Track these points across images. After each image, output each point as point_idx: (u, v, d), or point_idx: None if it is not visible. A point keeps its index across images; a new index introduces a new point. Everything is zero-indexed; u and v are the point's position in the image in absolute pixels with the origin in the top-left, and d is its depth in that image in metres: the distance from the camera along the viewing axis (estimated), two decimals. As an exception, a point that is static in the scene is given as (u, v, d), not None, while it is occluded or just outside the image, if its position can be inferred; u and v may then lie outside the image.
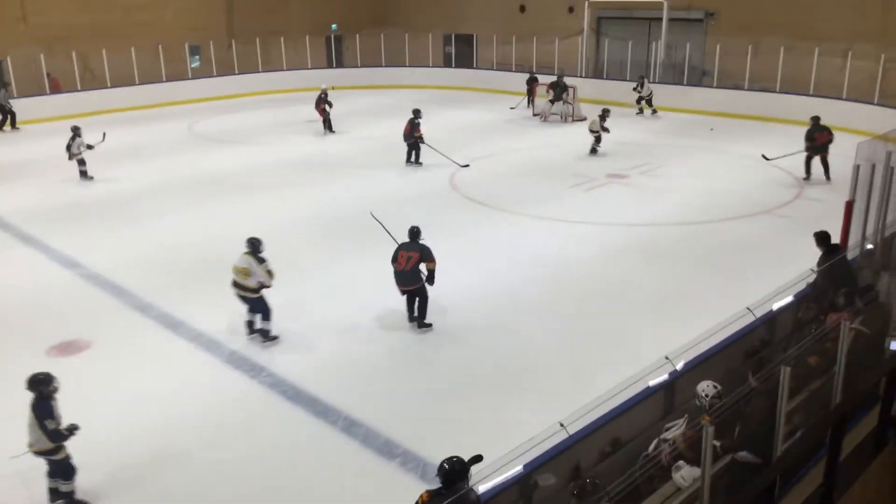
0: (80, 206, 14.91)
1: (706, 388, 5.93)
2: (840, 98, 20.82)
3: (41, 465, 6.26)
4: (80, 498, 6.37)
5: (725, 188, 15.57)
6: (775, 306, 7.62)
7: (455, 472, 4.71)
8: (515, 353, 8.95)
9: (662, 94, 23.46)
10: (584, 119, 23.04)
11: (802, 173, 15.92)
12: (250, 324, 9.30)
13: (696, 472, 5.01)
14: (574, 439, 5.48)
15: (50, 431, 6.02)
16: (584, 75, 26.84)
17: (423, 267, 9.20)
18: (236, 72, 28.34)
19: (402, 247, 9.28)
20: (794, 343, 6.39)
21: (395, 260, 9.24)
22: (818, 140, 15.46)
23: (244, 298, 9.10)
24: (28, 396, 6.13)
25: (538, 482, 5.28)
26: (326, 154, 19.27)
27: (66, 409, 6.27)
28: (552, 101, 23.09)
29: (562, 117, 23.08)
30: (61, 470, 6.23)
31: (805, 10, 21.97)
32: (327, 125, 21.44)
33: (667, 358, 6.13)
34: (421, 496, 4.78)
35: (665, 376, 6.42)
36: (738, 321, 6.98)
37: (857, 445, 4.29)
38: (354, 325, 9.66)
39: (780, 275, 8.47)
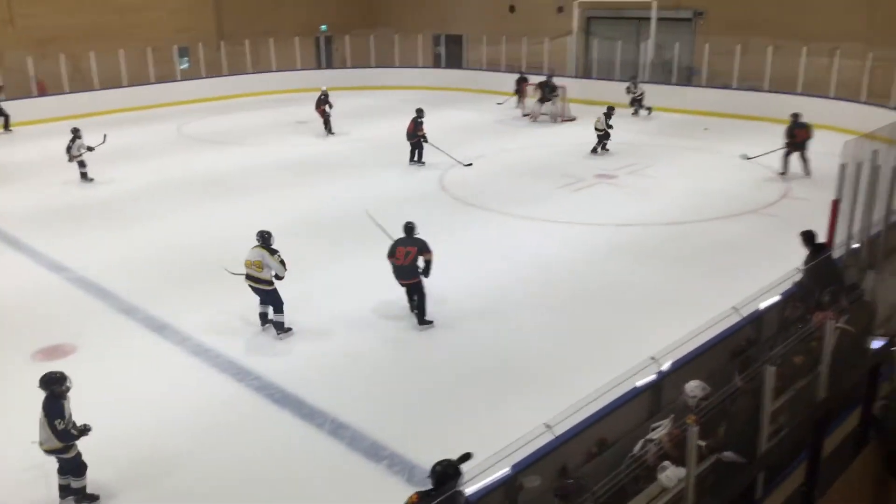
0: (68, 209, 14.82)
1: (695, 388, 5.94)
2: (827, 97, 20.92)
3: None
4: (91, 492, 6.47)
5: (713, 188, 15.61)
6: (762, 306, 7.65)
7: (447, 474, 4.71)
8: (502, 353, 8.95)
9: (652, 93, 23.49)
10: (574, 119, 23.11)
11: (792, 171, 16.07)
12: (263, 316, 9.52)
13: (682, 472, 5.01)
14: (560, 440, 5.48)
15: (59, 431, 6.09)
16: (573, 75, 26.86)
17: (420, 260, 9.34)
18: (226, 73, 28.25)
19: (398, 242, 9.42)
20: (780, 342, 6.41)
21: (392, 255, 9.37)
22: (798, 137, 15.76)
23: (258, 291, 9.29)
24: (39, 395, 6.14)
25: (523, 484, 5.27)
26: (317, 155, 19.22)
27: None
28: (541, 102, 23.10)
29: (551, 117, 23.09)
30: (72, 467, 6.32)
31: (793, 9, 22.05)
32: (328, 126, 21.36)
33: (653, 358, 6.13)
34: (410, 497, 4.77)
35: (652, 376, 6.43)
36: (725, 320, 6.99)
37: (838, 445, 4.29)
38: (339, 328, 9.64)
39: (767, 274, 8.49)
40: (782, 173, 16.09)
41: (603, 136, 18.54)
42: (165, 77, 26.92)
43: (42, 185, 16.40)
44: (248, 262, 9.17)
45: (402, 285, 9.52)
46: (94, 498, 6.47)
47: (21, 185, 16.51)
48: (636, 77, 23.93)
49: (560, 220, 13.67)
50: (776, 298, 7.76)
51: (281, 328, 9.37)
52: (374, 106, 26.18)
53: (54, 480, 6.44)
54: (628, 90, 23.35)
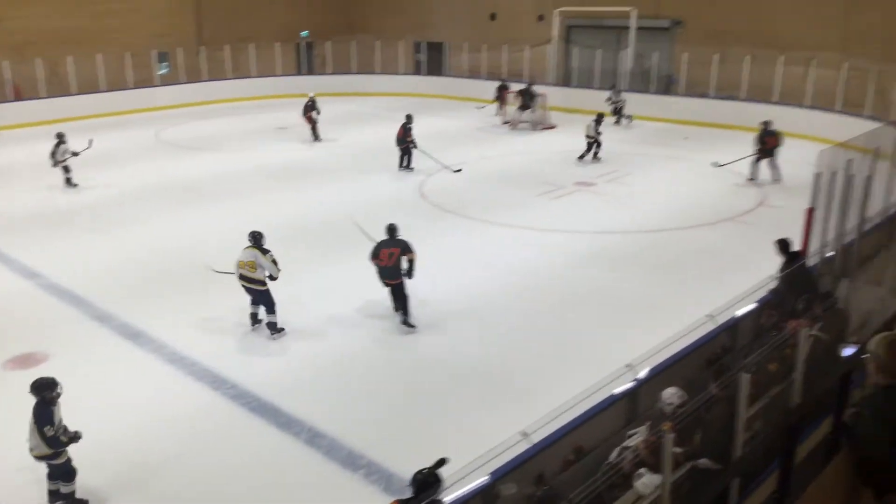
0: (42, 215, 14.65)
1: (671, 396, 5.96)
2: (803, 106, 21.18)
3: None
4: (81, 497, 6.44)
5: (690, 196, 15.74)
6: (737, 313, 7.69)
7: (427, 482, 4.72)
8: (479, 360, 8.94)
9: (632, 102, 23.64)
10: (554, 127, 23.22)
11: (762, 177, 16.40)
12: (254, 316, 9.59)
13: (658, 479, 5.01)
14: (537, 448, 5.47)
15: (48, 438, 6.08)
16: (553, 83, 26.98)
17: (403, 261, 9.48)
18: (205, 79, 28.08)
19: (382, 244, 9.58)
20: (755, 350, 6.45)
21: (376, 257, 9.54)
22: (768, 144, 16.26)
23: (251, 291, 9.35)
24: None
25: (500, 492, 5.26)
26: (297, 161, 19.14)
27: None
28: (521, 109, 23.19)
29: (531, 125, 23.18)
30: (62, 472, 6.33)
31: (769, 19, 22.34)
32: (315, 133, 21.28)
33: (628, 366, 6.15)
34: (390, 505, 4.75)
35: (630, 384, 6.44)
36: (700, 328, 7.02)
37: (810, 452, 4.33)
38: (316, 335, 9.61)
39: (743, 281, 8.53)
40: (751, 179, 16.49)
41: (593, 144, 18.64)
42: (144, 82, 26.73)
43: (10, 192, 16.18)
44: (242, 263, 9.26)
45: (387, 286, 9.65)
46: (84, 503, 6.44)
47: (-6, 191, 16.31)
48: (617, 86, 24.09)
49: (539, 227, 13.71)
50: (752, 306, 7.81)
51: (274, 328, 9.45)
52: (356, 112, 26.15)
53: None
54: (609, 99, 23.46)
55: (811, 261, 8.89)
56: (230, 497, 6.65)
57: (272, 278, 9.27)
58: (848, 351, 4.68)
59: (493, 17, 29.58)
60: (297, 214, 14.50)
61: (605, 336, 9.44)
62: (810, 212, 9.63)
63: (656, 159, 19.08)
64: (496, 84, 25.33)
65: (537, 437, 5.46)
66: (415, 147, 17.70)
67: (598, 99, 23.89)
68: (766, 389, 5.93)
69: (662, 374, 6.65)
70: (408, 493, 4.86)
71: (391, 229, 9.68)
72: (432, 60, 31.24)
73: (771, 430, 4.20)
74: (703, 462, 5.43)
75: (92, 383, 8.31)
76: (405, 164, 17.96)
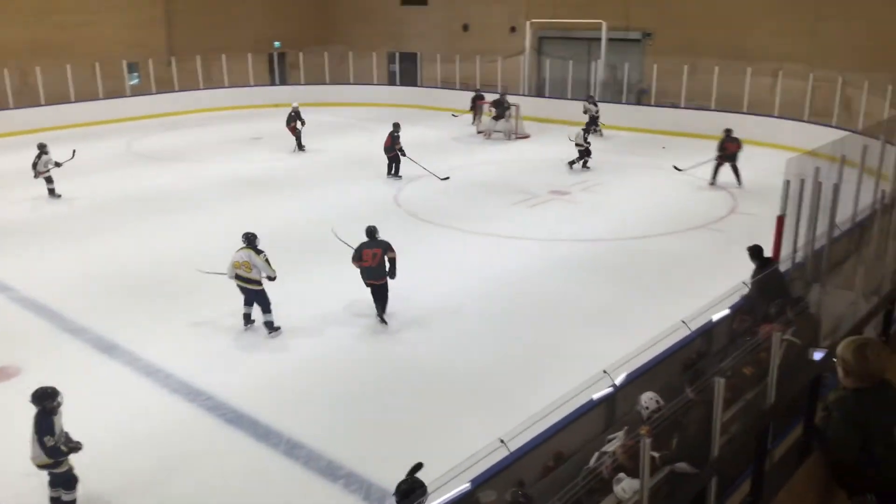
0: (13, 227, 14.43)
1: (648, 400, 6.03)
2: (772, 115, 21.56)
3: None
4: None
5: (663, 204, 15.93)
6: (712, 318, 7.80)
7: (413, 491, 4.75)
8: (456, 367, 8.97)
9: (604, 112, 23.84)
10: (528, 137, 23.38)
11: (722, 181, 16.96)
12: (247, 316, 9.73)
13: (637, 483, 5.06)
14: (515, 455, 5.50)
15: (48, 448, 6.09)
16: (526, 93, 27.18)
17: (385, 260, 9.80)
18: (177, 89, 27.86)
19: (363, 245, 9.83)
20: (729, 354, 6.54)
21: (359, 259, 9.79)
22: (728, 149, 16.88)
23: (246, 291, 9.50)
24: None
25: (479, 499, 5.27)
26: (269, 171, 19.02)
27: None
28: (495, 119, 23.31)
29: (505, 135, 23.30)
30: (63, 481, 6.37)
31: (737, 31, 22.73)
32: (299, 143, 21.18)
33: (605, 372, 6.20)
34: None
35: (609, 389, 6.50)
36: (675, 334, 7.11)
37: (783, 455, 4.40)
38: (291, 343, 9.59)
39: (716, 287, 8.65)
40: (712, 183, 17.10)
41: (584, 153, 18.80)
42: (115, 93, 26.46)
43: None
44: (237, 263, 9.43)
45: (372, 285, 9.92)
46: None
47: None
48: (593, 96, 24.30)
49: (514, 235, 13.78)
50: (725, 312, 7.92)
51: (271, 327, 9.63)
52: (329, 123, 26.09)
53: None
54: (585, 110, 23.50)
55: (783, 266, 9.04)
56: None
57: (270, 278, 9.47)
58: (818, 355, 4.76)
59: (465, 28, 29.77)
60: (270, 224, 14.38)
61: (580, 342, 9.51)
62: (781, 219, 9.80)
63: (630, 168, 19.29)
64: (470, 94, 25.46)
65: (516, 444, 5.49)
66: (403, 155, 17.78)
67: (571, 109, 24.08)
68: (741, 393, 6.02)
69: (639, 379, 6.71)
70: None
71: (371, 231, 9.99)
72: (406, 71, 31.31)
73: (747, 433, 4.27)
74: (681, 466, 5.49)
75: (65, 397, 8.17)
76: (393, 171, 18.02)
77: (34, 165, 15.91)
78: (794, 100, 21.09)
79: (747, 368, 6.23)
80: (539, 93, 27.68)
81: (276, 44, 31.26)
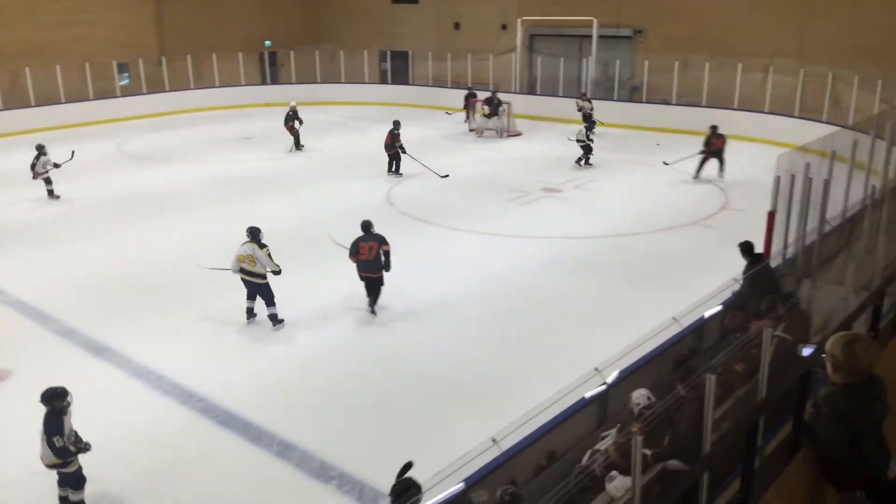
0: (3, 229, 14.33)
1: (639, 397, 6.04)
2: (763, 111, 21.62)
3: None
4: None
5: (655, 200, 15.95)
6: (704, 315, 7.82)
7: (407, 489, 4.75)
8: (448, 365, 8.96)
9: (597, 109, 23.82)
10: (520, 134, 23.38)
11: (706, 174, 17.29)
12: (250, 311, 9.91)
13: (629, 481, 5.07)
14: (508, 454, 5.50)
15: (57, 449, 6.13)
16: (517, 91, 27.17)
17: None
18: (167, 89, 27.75)
19: (360, 239, 10.02)
20: (721, 351, 6.55)
21: (356, 253, 9.95)
22: (714, 145, 17.37)
23: (250, 284, 9.72)
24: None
25: (471, 499, 5.27)
26: (261, 171, 18.98)
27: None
28: (487, 117, 23.31)
29: (497, 132, 23.30)
30: (72, 481, 6.41)
31: (727, 27, 22.78)
32: (297, 143, 21.13)
33: (596, 370, 6.21)
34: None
35: (600, 387, 6.50)
36: (666, 330, 7.12)
37: (772, 452, 4.41)
38: (282, 342, 9.59)
39: (708, 284, 8.67)
40: (695, 177, 17.46)
41: (586, 149, 18.81)
42: (105, 93, 26.34)
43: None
44: (241, 257, 9.63)
45: (368, 278, 10.10)
46: None
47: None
48: (586, 93, 24.30)
49: (506, 233, 13.78)
50: (717, 308, 7.94)
51: (275, 320, 9.80)
52: (321, 122, 26.00)
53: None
54: (579, 108, 23.42)
55: (774, 262, 9.06)
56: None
57: (275, 272, 9.64)
58: (807, 350, 4.77)
59: (456, 26, 29.73)
60: (262, 224, 14.36)
61: (572, 340, 9.52)
62: (771, 215, 9.82)
63: (621, 165, 19.30)
64: (462, 92, 25.44)
65: (508, 444, 5.49)
66: (404, 152, 17.81)
67: (563, 106, 24.10)
68: (732, 390, 6.04)
69: (631, 376, 6.72)
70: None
71: (367, 225, 10.15)
72: (397, 69, 31.26)
73: (738, 429, 4.28)
74: (673, 464, 5.50)
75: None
76: (394, 169, 18.05)
77: (33, 167, 15.83)
78: (784, 95, 21.16)
79: (738, 365, 6.25)
80: (531, 90, 27.67)
81: (267, 43, 31.16)
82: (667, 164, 18.09)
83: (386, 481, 5.30)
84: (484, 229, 14.00)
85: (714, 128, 17.48)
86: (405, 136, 18.27)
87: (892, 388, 3.70)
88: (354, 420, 7.91)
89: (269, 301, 9.76)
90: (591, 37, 25.22)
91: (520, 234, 13.77)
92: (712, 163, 17.37)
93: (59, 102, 24.98)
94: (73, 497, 6.44)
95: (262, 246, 9.65)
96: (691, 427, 5.51)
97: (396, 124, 18.02)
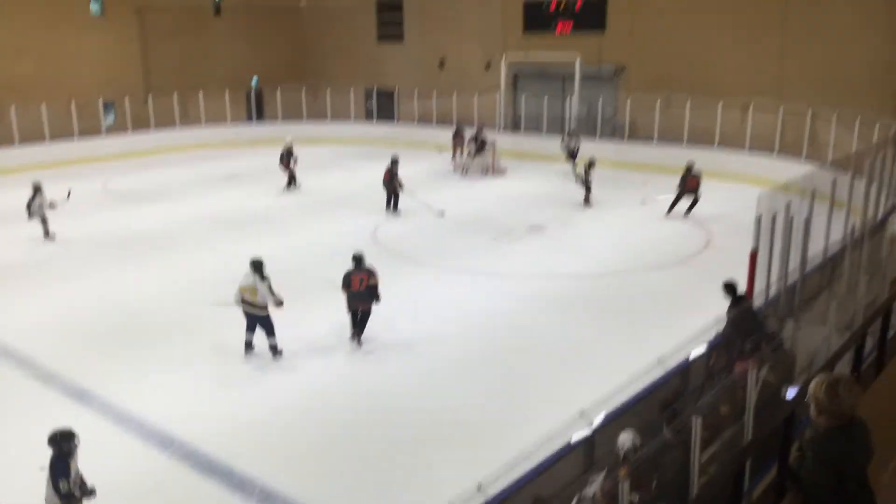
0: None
1: (625, 440, 6.00)
2: (743, 150, 21.90)
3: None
4: None
5: (639, 239, 16.05)
6: (688, 357, 7.82)
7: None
8: (432, 408, 8.91)
9: (581, 147, 24.03)
10: (504, 172, 23.50)
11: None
12: (248, 343, 9.96)
13: (616, 527, 5.01)
14: (494, 502, 5.43)
15: (62, 494, 6.00)
16: (502, 129, 27.40)
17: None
18: (153, 127, 27.78)
19: (351, 272, 10.26)
20: (706, 392, 6.55)
21: (347, 285, 10.21)
22: (689, 185, 17.56)
23: (251, 316, 9.86)
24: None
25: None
26: (247, 209, 18.96)
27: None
28: (472, 156, 23.44)
29: (482, 171, 23.42)
30: None
31: (707, 66, 23.11)
32: (293, 180, 21.14)
33: (582, 413, 6.18)
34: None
35: (585, 431, 6.47)
36: (652, 372, 7.11)
37: (759, 496, 4.40)
38: (266, 383, 9.50)
39: (693, 323, 8.67)
40: (667, 214, 17.68)
41: (587, 189, 18.91)
42: (90, 131, 26.32)
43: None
44: (243, 288, 9.73)
45: (358, 310, 10.33)
46: None
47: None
48: (572, 131, 24.45)
49: (490, 272, 13.80)
50: (701, 349, 7.95)
51: (275, 351, 9.88)
52: (308, 160, 26.04)
53: None
54: (565, 145, 23.46)
55: (757, 301, 9.10)
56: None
57: (278, 305, 9.71)
58: (791, 392, 4.79)
59: (441, 64, 30.06)
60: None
61: (556, 380, 9.49)
62: (754, 255, 9.89)
63: (605, 203, 19.42)
64: (448, 130, 25.58)
65: (494, 490, 5.42)
66: (401, 189, 17.85)
67: (546, 144, 24.29)
68: (718, 432, 6.03)
69: (617, 420, 6.69)
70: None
71: (358, 258, 10.41)
72: (383, 107, 31.47)
73: (724, 474, 4.27)
74: (660, 509, 5.46)
75: (34, 445, 7.98)
76: (392, 206, 18.04)
77: (28, 206, 15.72)
78: (764, 133, 21.45)
79: (724, 407, 6.24)
80: (515, 128, 27.91)
81: (254, 80, 31.31)
82: (644, 203, 18.31)
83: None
84: (467, 268, 14.01)
85: (689, 167, 17.67)
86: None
87: (875, 430, 3.71)
88: (335, 464, 7.85)
89: (270, 332, 9.93)
90: (574, 75, 25.54)
91: (503, 272, 13.79)
92: (686, 201, 17.51)
93: (44, 141, 24.91)
94: None
95: (264, 278, 9.75)
96: (678, 471, 5.49)
97: (394, 161, 18.12)
